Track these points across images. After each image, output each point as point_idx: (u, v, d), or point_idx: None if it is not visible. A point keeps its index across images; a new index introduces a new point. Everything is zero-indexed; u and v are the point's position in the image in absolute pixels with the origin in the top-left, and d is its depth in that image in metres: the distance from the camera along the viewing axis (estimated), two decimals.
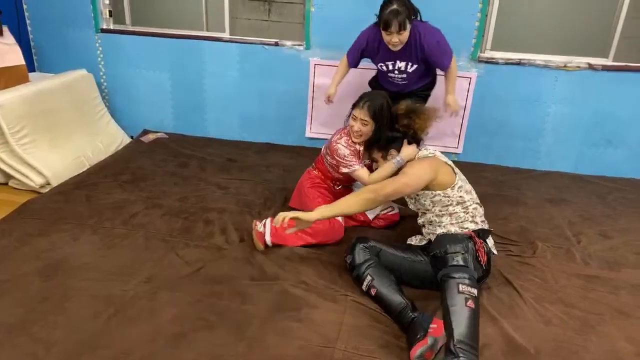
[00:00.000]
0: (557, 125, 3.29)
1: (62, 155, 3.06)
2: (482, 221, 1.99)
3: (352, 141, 2.31)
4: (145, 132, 3.70)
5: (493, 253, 1.98)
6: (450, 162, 2.09)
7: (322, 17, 3.28)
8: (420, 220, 2.13)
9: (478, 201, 2.05)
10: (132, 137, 3.69)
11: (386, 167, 2.17)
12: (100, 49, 3.63)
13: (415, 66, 2.59)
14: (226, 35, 3.52)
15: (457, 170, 2.08)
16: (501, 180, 3.16)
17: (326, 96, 2.82)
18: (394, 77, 2.69)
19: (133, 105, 3.76)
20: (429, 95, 2.83)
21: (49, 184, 2.89)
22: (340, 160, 2.30)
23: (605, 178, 3.24)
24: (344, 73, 2.82)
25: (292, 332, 1.71)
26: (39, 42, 3.70)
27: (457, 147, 3.45)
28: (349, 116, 2.31)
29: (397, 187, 1.91)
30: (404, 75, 2.66)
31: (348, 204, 1.94)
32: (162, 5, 3.67)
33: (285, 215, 1.85)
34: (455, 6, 3.08)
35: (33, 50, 3.72)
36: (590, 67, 3.11)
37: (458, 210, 1.96)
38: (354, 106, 2.27)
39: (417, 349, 1.58)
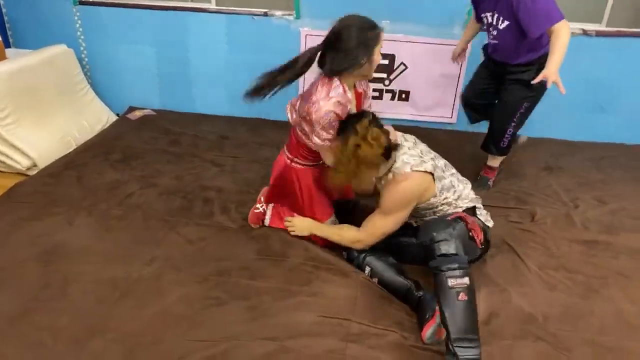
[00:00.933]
0: (551, 92, 3.27)
1: (48, 135, 2.94)
2: (469, 200, 1.89)
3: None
4: (132, 109, 3.57)
5: (488, 226, 1.92)
6: (429, 165, 1.78)
7: None
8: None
9: (460, 178, 1.93)
10: (118, 115, 3.56)
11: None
12: (80, 22, 3.45)
13: (506, 23, 2.08)
14: (212, 5, 3.38)
15: (437, 165, 1.83)
16: None
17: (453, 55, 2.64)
18: (490, 36, 2.24)
19: (117, 82, 3.62)
20: (534, 84, 2.09)
21: (35, 165, 2.78)
22: (317, 124, 1.77)
23: (598, 144, 3.28)
24: (473, 29, 2.53)
25: (306, 306, 1.71)
26: (14, 16, 3.50)
27: (451, 117, 3.43)
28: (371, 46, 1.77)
29: (386, 231, 1.83)
30: (495, 33, 2.17)
31: (341, 236, 1.94)
32: None
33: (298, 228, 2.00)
34: None
35: (7, 25, 3.52)
36: (584, 32, 3.09)
37: (444, 209, 1.85)
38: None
39: (428, 330, 1.59)
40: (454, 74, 3.28)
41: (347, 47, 1.73)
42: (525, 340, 1.62)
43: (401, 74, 3.35)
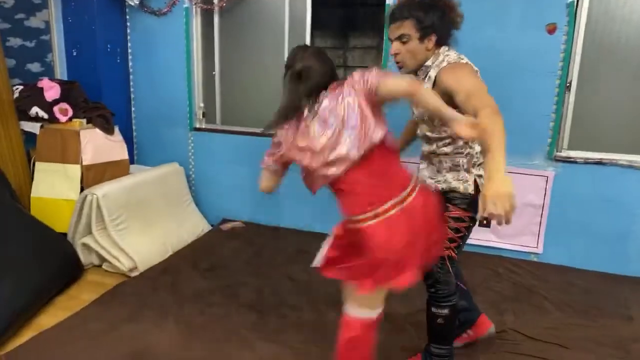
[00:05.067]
0: None
1: (150, 241, 3.30)
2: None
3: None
4: (224, 220, 3.93)
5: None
6: None
7: None
8: (425, 149, 1.90)
9: None
10: (212, 225, 3.92)
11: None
12: (192, 144, 4.02)
13: None
14: None
15: None
16: (594, 289, 2.91)
17: None
18: None
19: (216, 197, 4.05)
20: None
21: (136, 267, 3.10)
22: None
23: None
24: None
25: None
26: (140, 138, 4.19)
27: (537, 247, 3.30)
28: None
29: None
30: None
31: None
32: (248, 109, 4.05)
33: None
34: (530, 105, 3.13)
35: (135, 146, 4.20)
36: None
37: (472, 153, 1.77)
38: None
39: None
40: (539, 204, 3.24)
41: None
42: None
43: None
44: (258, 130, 3.85)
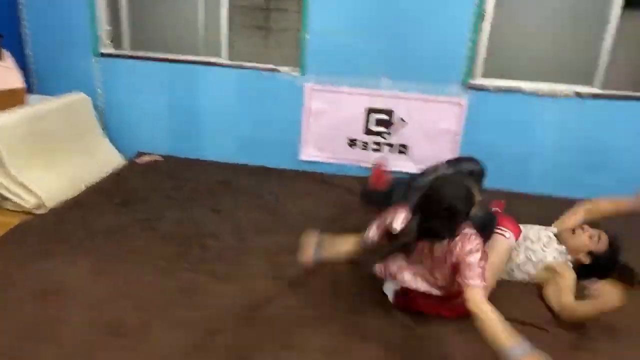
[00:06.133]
0: (546, 152, 3.36)
1: (58, 177, 3.07)
2: None
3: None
4: (140, 154, 3.73)
5: None
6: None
7: (316, 44, 3.36)
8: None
9: None
10: (127, 160, 3.71)
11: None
12: (99, 72, 3.68)
13: None
14: (224, 60, 3.59)
15: None
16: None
17: None
18: None
19: (129, 128, 3.80)
20: None
21: (43, 205, 2.89)
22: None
23: None
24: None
25: None
26: (39, 66, 3.74)
27: None
28: None
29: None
30: None
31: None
32: (160, 30, 3.74)
33: None
34: (445, 34, 3.18)
35: (32, 74, 3.76)
36: (578, 95, 3.20)
37: None
38: None
39: None
40: (453, 130, 3.39)
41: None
42: None
43: (400, 129, 3.47)
44: (172, 56, 3.60)
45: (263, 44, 4.29)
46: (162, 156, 3.71)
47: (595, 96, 3.19)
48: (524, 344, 1.47)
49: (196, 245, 2.47)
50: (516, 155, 3.39)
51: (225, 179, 3.34)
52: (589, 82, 3.24)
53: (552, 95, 3.22)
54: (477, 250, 1.72)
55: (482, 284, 1.66)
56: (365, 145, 3.57)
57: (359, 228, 2.63)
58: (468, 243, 1.73)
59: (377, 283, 2.19)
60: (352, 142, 3.58)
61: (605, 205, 2.40)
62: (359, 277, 2.24)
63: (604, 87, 3.22)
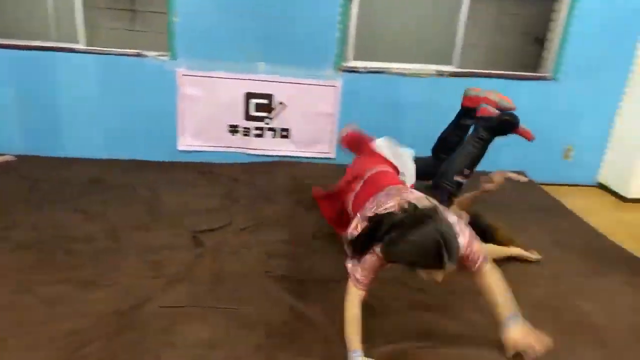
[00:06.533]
0: (416, 128, 3.60)
1: None
2: None
3: None
4: None
5: None
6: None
7: (186, 27, 3.20)
8: None
9: None
10: None
11: None
12: None
13: None
14: (81, 46, 3.25)
15: None
16: None
17: None
18: None
19: None
20: None
21: None
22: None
23: None
24: None
25: None
26: None
27: (331, 152, 3.60)
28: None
29: None
30: None
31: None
32: (0, 14, 3.26)
33: None
34: (317, 18, 3.22)
35: None
36: (439, 73, 3.47)
37: None
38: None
39: None
40: (330, 112, 3.48)
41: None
42: None
43: (280, 113, 3.47)
44: (18, 42, 3.17)
45: (129, 27, 4.00)
46: (16, 156, 3.26)
47: (454, 75, 3.48)
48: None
49: (60, 251, 2.22)
50: (388, 134, 3.56)
51: (93, 177, 3.06)
52: (448, 62, 3.53)
53: (417, 75, 3.46)
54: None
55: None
56: (247, 131, 3.51)
57: (245, 218, 2.62)
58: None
59: (261, 270, 2.19)
60: (233, 129, 3.49)
61: (467, 201, 2.53)
62: (240, 267, 2.21)
63: (461, 66, 3.54)
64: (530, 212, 2.99)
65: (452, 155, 2.64)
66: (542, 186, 3.49)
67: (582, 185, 3.77)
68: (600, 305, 2.09)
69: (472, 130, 2.66)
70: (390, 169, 2.16)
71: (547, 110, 3.58)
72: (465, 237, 1.59)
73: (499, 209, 2.76)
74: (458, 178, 2.53)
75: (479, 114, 2.61)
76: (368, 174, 2.04)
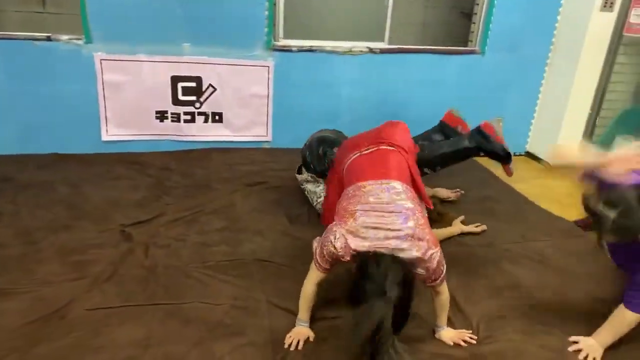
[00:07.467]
0: (351, 106, 3.58)
1: None
2: None
3: None
4: None
5: None
6: None
7: (101, 6, 2.94)
8: None
9: None
10: None
11: None
12: None
13: None
14: None
15: None
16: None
17: None
18: None
19: None
20: None
21: None
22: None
23: None
24: None
25: None
26: None
27: (267, 135, 3.50)
28: None
29: None
30: None
31: None
32: None
33: None
34: None
35: None
36: (371, 50, 3.45)
37: None
38: None
39: None
40: (264, 94, 3.36)
41: None
42: None
43: (211, 96, 3.30)
44: None
45: (40, 10, 3.68)
46: None
47: (384, 51, 3.47)
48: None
49: None
50: (325, 113, 3.52)
51: (2, 176, 2.76)
52: (381, 39, 3.52)
53: (349, 53, 3.41)
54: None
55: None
56: (176, 117, 3.32)
57: (179, 208, 2.47)
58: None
59: (198, 261, 2.08)
60: (161, 115, 3.29)
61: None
62: (175, 260, 2.09)
63: (392, 42, 3.53)
64: (464, 184, 3.07)
65: (436, 149, 2.54)
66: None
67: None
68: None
69: (465, 140, 2.52)
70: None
71: (476, 83, 3.68)
72: (432, 263, 1.58)
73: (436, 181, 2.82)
74: (426, 170, 2.50)
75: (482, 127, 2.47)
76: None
